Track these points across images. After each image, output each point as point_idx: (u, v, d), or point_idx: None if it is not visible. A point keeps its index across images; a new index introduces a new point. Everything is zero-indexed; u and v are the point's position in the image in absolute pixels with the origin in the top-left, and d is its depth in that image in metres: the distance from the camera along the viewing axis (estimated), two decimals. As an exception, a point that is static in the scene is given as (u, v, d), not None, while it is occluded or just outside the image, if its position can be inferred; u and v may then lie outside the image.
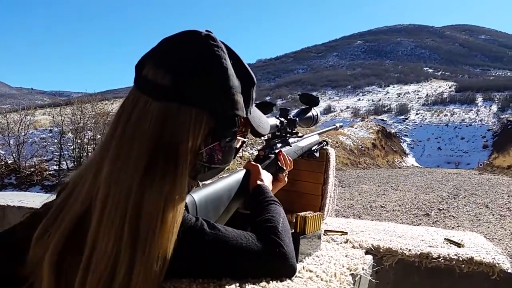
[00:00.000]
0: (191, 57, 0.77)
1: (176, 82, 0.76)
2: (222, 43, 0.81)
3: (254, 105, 0.92)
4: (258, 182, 1.08)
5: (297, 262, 0.99)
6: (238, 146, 0.92)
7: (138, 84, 0.80)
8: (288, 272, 0.87)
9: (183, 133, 0.76)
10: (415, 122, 61.89)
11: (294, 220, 1.08)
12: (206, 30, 0.80)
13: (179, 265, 0.74)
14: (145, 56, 0.81)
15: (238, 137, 0.90)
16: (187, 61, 0.77)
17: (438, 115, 64.49)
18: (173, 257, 0.73)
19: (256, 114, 0.95)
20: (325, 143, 1.70)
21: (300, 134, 1.53)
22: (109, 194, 0.73)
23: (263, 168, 1.16)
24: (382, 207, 11.07)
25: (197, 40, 0.78)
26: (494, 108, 63.63)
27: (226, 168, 0.93)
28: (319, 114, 1.67)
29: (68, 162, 15.71)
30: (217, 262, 0.80)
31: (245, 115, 0.86)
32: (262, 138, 1.18)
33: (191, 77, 0.76)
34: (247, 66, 0.87)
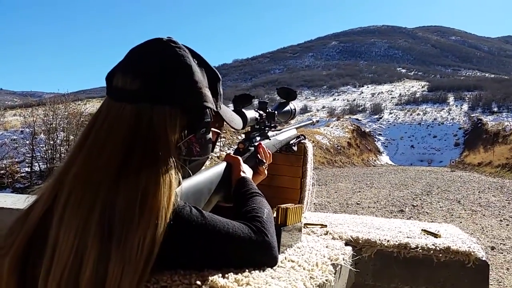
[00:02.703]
0: (156, 59, 0.81)
1: (145, 84, 0.79)
2: (184, 45, 0.86)
3: (222, 100, 0.96)
4: (242, 174, 1.08)
5: (279, 253, 0.99)
6: (214, 138, 0.96)
7: (110, 94, 0.83)
8: (270, 261, 0.87)
9: (160, 130, 0.79)
10: (388, 121, 63.10)
11: (275, 213, 1.08)
12: (168, 37, 0.85)
13: (165, 250, 0.73)
14: (114, 68, 0.84)
15: (212, 130, 0.94)
16: (153, 64, 0.81)
17: (411, 114, 65.94)
18: (160, 242, 0.72)
19: (227, 111, 1.00)
20: (302, 137, 1.70)
21: (278, 128, 1.53)
22: (73, 190, 0.74)
23: (243, 161, 1.16)
24: (358, 204, 11.22)
25: (159, 44, 0.83)
26: (465, 107, 65.54)
27: (207, 160, 0.96)
28: (297, 108, 1.67)
29: (40, 163, 15.32)
30: (203, 246, 0.79)
31: (215, 108, 0.90)
32: (241, 133, 1.20)
33: (159, 77, 0.80)
34: (210, 64, 0.92)
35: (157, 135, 0.78)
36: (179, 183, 0.80)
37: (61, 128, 16.49)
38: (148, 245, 0.70)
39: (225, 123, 1.00)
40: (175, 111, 0.81)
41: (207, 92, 0.86)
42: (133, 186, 0.73)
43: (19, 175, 14.74)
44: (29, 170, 15.07)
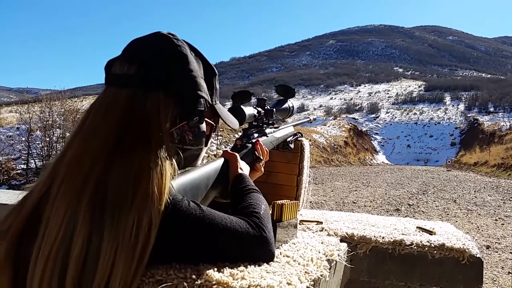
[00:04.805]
0: (154, 48, 0.85)
1: (142, 70, 0.82)
2: (184, 41, 0.89)
3: (218, 96, 0.98)
4: (239, 171, 1.09)
5: (275, 249, 0.99)
6: (208, 131, 0.97)
7: (107, 81, 0.86)
8: (267, 256, 0.88)
9: (153, 116, 0.80)
10: (385, 120, 63.24)
11: (270, 209, 1.08)
12: (168, 32, 0.88)
13: (162, 242, 0.73)
14: (113, 58, 0.87)
15: (207, 121, 0.95)
16: (150, 52, 0.85)
17: (408, 113, 66.12)
18: (157, 233, 0.72)
19: (224, 109, 1.02)
20: (299, 134, 1.70)
21: (276, 125, 1.53)
22: (68, 172, 0.75)
23: (240, 157, 1.16)
24: (354, 203, 11.24)
25: (158, 36, 0.87)
26: (462, 106, 65.72)
27: (202, 152, 0.97)
28: (294, 105, 1.68)
29: (36, 160, 15.25)
30: (200, 240, 0.79)
31: (210, 100, 0.92)
32: (238, 131, 1.21)
33: (155, 63, 0.83)
34: (208, 59, 0.95)
35: (151, 120, 0.80)
36: (174, 170, 0.81)
37: (57, 125, 16.42)
38: (144, 229, 0.70)
39: (221, 121, 1.01)
40: (169, 97, 0.83)
41: (202, 82, 0.89)
42: (127, 165, 0.74)
43: (15, 172, 14.67)
44: (25, 167, 15.00)
